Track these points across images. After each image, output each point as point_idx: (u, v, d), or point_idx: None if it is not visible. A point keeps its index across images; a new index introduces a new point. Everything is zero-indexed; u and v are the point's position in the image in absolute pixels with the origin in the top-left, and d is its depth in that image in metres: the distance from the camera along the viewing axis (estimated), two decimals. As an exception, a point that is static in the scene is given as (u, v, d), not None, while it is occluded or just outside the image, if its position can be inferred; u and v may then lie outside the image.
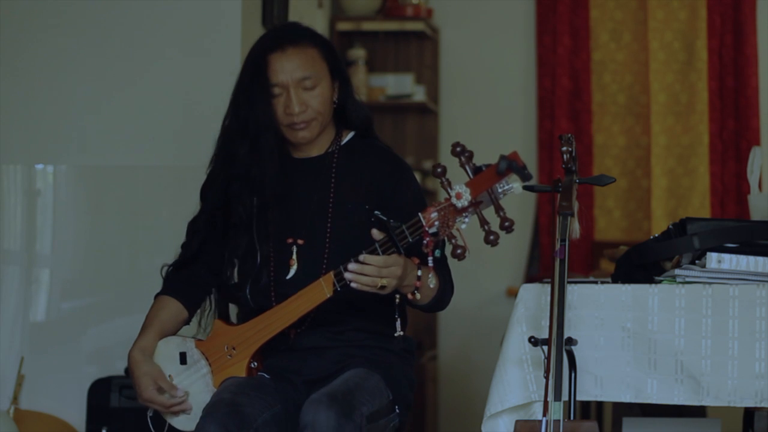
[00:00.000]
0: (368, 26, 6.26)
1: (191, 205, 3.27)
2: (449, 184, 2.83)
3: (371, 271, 2.87)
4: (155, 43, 4.49)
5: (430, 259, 2.87)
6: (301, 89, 3.11)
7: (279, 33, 3.18)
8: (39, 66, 4.49)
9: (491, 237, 2.77)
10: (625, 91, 6.37)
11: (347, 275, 2.89)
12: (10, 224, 4.50)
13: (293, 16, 5.12)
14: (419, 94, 6.22)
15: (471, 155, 2.84)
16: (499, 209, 2.80)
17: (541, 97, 6.37)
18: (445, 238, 2.84)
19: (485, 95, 6.46)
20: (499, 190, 2.82)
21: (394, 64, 6.41)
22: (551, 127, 6.33)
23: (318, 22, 5.93)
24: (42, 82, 4.49)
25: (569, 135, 2.95)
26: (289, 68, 3.11)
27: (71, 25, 4.48)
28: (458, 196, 2.82)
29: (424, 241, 2.85)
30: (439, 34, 6.45)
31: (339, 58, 3.21)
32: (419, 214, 2.85)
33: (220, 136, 3.20)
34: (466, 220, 2.84)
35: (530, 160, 6.37)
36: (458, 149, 2.83)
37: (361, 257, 2.88)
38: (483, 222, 2.81)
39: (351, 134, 3.24)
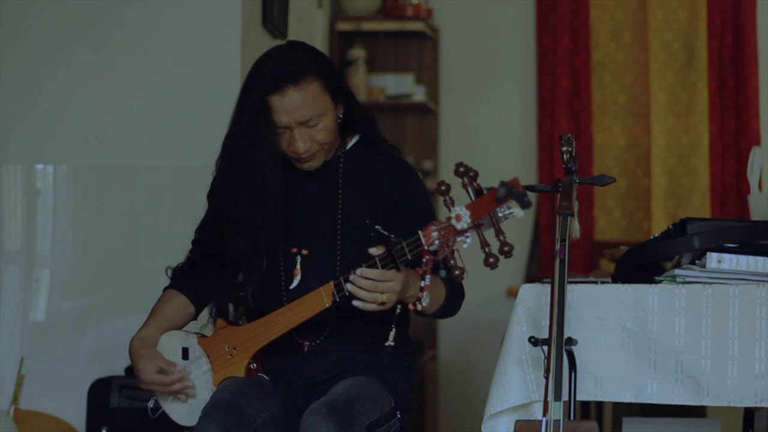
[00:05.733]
0: (368, 26, 6.26)
1: (191, 205, 3.27)
2: (452, 203, 2.79)
3: (368, 285, 2.85)
4: (155, 43, 4.48)
5: (428, 277, 2.83)
6: (304, 127, 3.05)
7: (278, 71, 3.04)
8: (38, 66, 4.48)
9: (491, 260, 2.74)
10: (625, 91, 6.37)
11: (347, 286, 2.89)
12: (10, 224, 4.50)
13: (293, 16, 5.11)
14: (419, 94, 6.22)
15: (475, 175, 2.79)
16: (499, 233, 2.77)
17: (541, 97, 6.37)
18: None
19: (485, 95, 6.46)
20: (500, 215, 2.78)
21: (394, 64, 6.41)
22: (551, 127, 6.32)
23: (318, 22, 5.93)
24: (41, 82, 4.49)
25: (569, 135, 2.95)
26: (291, 109, 3.02)
27: (71, 25, 4.48)
28: (458, 218, 2.78)
29: (424, 259, 2.82)
30: (439, 34, 6.45)
31: (340, 78, 3.12)
32: (419, 231, 2.82)
33: (221, 155, 3.13)
34: (468, 240, 2.80)
35: (530, 160, 6.37)
36: (461, 170, 2.78)
37: (359, 270, 2.85)
38: (484, 244, 2.78)
39: (355, 138, 3.19)
